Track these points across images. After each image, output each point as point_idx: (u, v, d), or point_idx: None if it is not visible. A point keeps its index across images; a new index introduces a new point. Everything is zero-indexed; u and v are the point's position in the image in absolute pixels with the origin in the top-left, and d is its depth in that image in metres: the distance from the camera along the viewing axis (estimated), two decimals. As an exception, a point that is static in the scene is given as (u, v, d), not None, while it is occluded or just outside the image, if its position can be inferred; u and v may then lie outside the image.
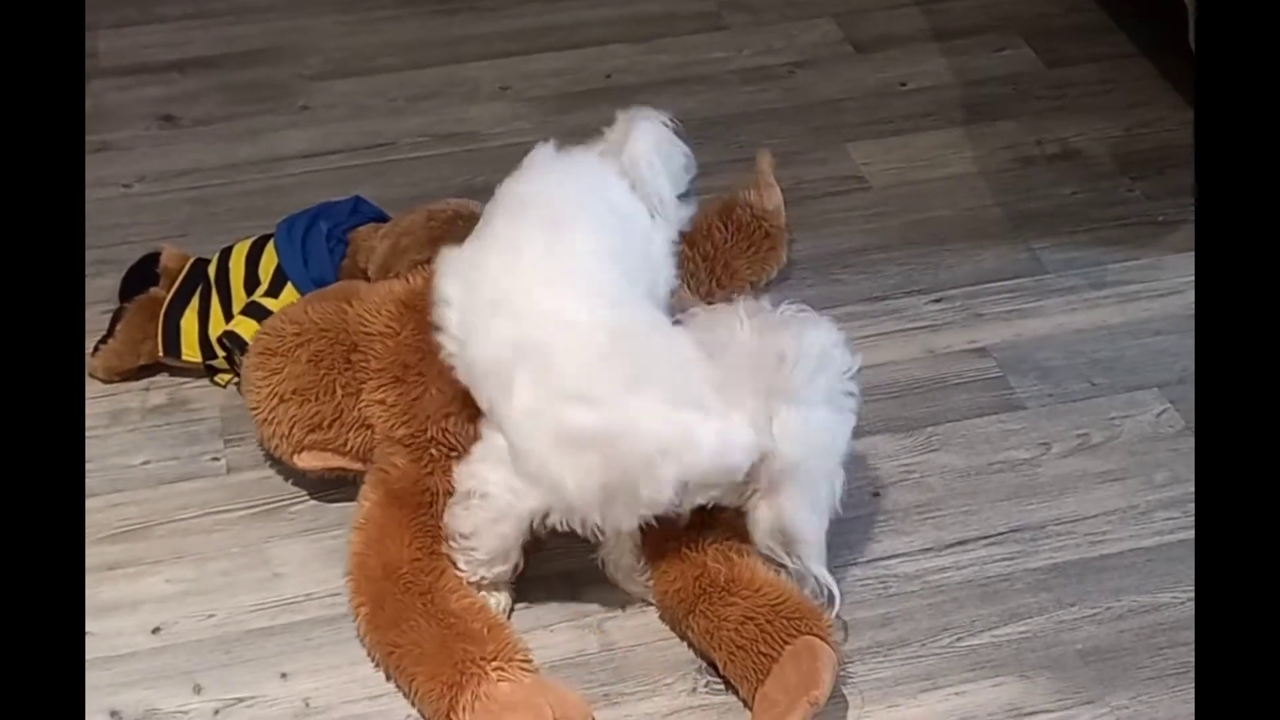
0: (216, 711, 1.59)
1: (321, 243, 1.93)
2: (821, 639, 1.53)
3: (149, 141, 2.32)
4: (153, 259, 1.99)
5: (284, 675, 1.62)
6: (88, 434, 1.85)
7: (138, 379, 1.94)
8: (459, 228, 1.82)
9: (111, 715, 1.58)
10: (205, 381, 1.93)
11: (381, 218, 1.98)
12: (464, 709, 1.51)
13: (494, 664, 1.55)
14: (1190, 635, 1.62)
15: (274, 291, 1.90)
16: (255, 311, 1.88)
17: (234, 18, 2.59)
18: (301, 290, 1.89)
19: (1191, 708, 1.52)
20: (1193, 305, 2.00)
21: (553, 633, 1.65)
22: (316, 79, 2.46)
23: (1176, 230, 2.15)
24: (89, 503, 1.78)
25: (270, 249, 1.94)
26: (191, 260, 1.97)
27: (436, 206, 1.93)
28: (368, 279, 1.87)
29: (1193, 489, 1.77)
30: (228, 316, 1.91)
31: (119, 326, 1.94)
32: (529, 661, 1.58)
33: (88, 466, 1.82)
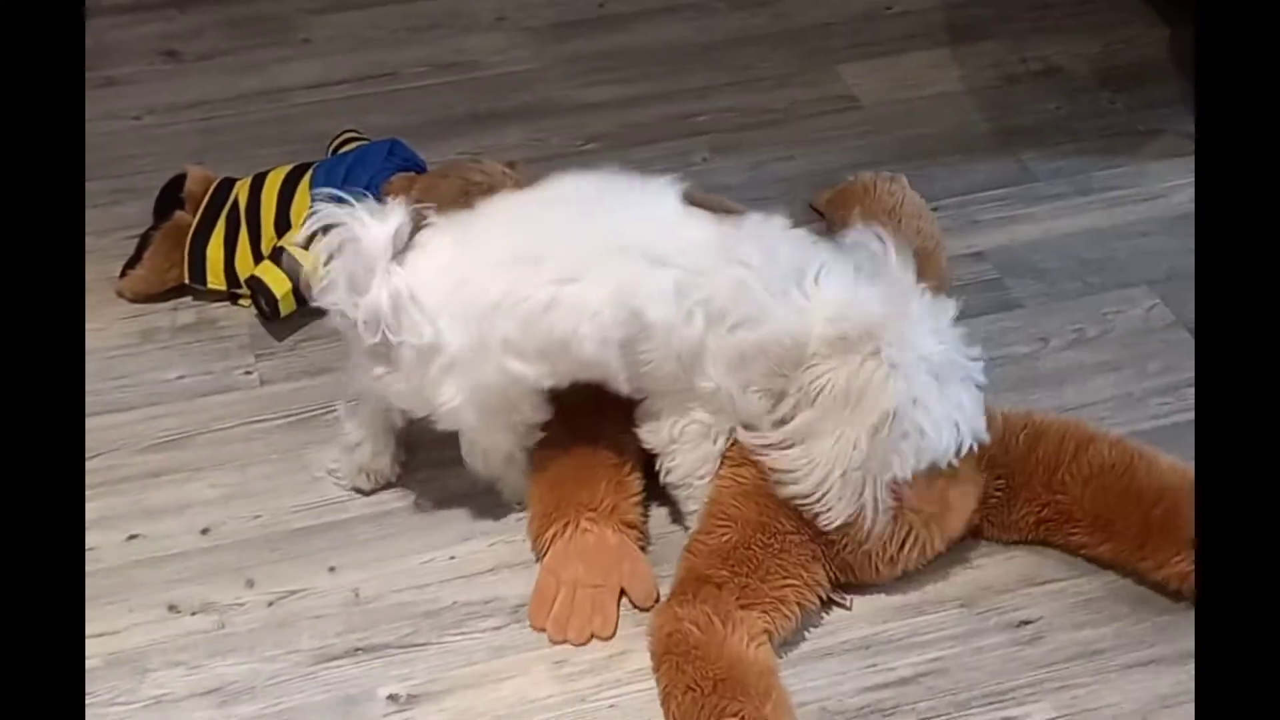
0: (270, 603, 1.65)
1: (359, 196, 1.95)
2: None
3: (154, 76, 2.36)
4: (178, 181, 2.04)
5: (332, 569, 1.69)
6: (120, 352, 1.92)
7: (164, 300, 1.99)
8: None
9: (170, 609, 1.64)
10: (230, 301, 2.00)
11: (415, 163, 2.02)
12: (547, 542, 1.65)
13: (589, 514, 1.65)
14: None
15: (304, 241, 1.94)
16: (284, 260, 1.93)
17: (228, -47, 2.64)
18: None
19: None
20: (1177, 207, 2.13)
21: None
22: (315, 12, 2.51)
23: (1157, 139, 2.24)
24: (125, 416, 1.84)
25: (305, 189, 1.97)
26: (215, 183, 2.02)
27: (473, 177, 1.92)
28: None
29: (1185, 376, 1.88)
30: (256, 255, 1.96)
31: (146, 253, 1.98)
32: (631, 527, 1.67)
33: (122, 382, 1.89)
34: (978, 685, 1.57)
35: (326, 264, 1.55)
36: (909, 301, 1.58)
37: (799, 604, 1.58)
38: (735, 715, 1.45)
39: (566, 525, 1.66)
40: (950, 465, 1.59)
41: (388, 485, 1.76)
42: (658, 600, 1.64)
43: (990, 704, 1.55)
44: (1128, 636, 1.61)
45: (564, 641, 1.62)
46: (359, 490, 1.76)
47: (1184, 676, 1.57)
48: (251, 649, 1.61)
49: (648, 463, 1.72)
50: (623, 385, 1.61)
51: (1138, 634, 1.61)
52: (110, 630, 1.61)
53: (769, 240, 1.59)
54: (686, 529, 1.69)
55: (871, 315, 1.54)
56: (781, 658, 1.58)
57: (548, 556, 1.66)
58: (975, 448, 1.60)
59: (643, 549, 1.70)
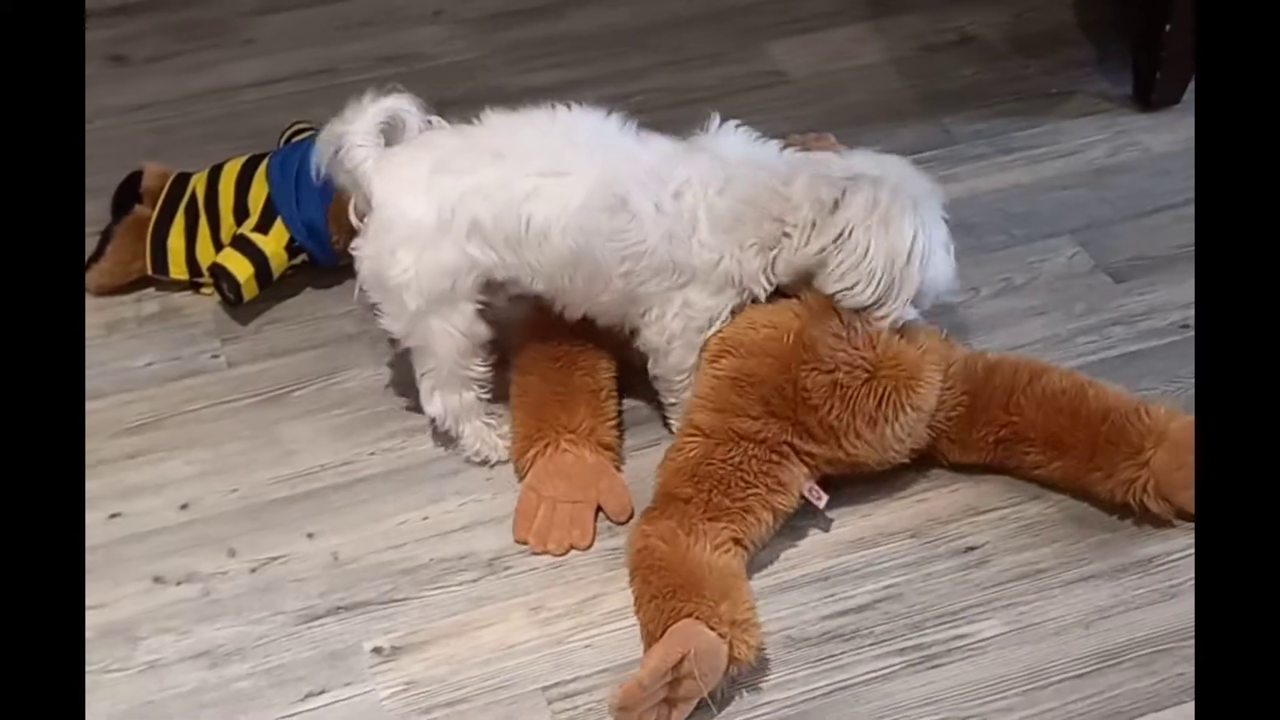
0: (253, 570, 1.72)
1: (313, 184, 1.97)
2: (704, 623, 1.57)
3: (103, 80, 2.42)
4: (135, 178, 2.09)
5: (310, 535, 1.76)
6: (89, 343, 1.97)
7: (129, 292, 2.06)
8: None
9: (156, 580, 1.71)
10: (192, 290, 2.06)
11: None
12: (529, 462, 1.77)
13: (569, 435, 1.76)
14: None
15: (263, 227, 2.00)
16: (244, 246, 1.99)
17: (170, -38, 2.70)
18: (292, 228, 2.00)
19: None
20: (1093, 161, 2.25)
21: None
22: (256, 14, 2.57)
23: (1070, 99, 2.36)
24: (97, 403, 1.90)
25: (261, 178, 2.03)
26: (172, 177, 2.08)
27: None
28: None
29: (1108, 316, 2.01)
30: (216, 244, 2.02)
31: (109, 247, 2.04)
32: (607, 448, 1.79)
33: (92, 371, 1.94)
34: (930, 608, 1.67)
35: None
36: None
37: (766, 509, 1.68)
38: (690, 615, 1.55)
39: (547, 446, 1.77)
40: (922, 333, 1.73)
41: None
42: (632, 515, 1.74)
43: (943, 623, 1.65)
44: (1067, 555, 1.72)
45: (545, 551, 1.73)
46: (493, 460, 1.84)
47: (1119, 589, 1.68)
48: (238, 613, 1.68)
49: (622, 388, 1.85)
50: (613, 285, 1.71)
51: (1076, 553, 1.72)
52: (100, 604, 1.67)
53: (723, 134, 1.75)
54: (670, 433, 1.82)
55: (855, 165, 1.72)
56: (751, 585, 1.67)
57: (529, 475, 1.77)
58: (945, 333, 1.78)
59: (618, 469, 1.81)
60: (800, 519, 1.73)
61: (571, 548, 1.73)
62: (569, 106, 1.75)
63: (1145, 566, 1.70)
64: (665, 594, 1.57)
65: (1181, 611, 1.65)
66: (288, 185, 2.01)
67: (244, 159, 2.07)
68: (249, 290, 1.98)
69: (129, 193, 2.09)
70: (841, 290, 1.69)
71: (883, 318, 1.70)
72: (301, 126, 2.15)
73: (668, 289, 1.72)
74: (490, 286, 1.74)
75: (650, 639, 1.56)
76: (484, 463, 1.83)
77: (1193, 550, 1.70)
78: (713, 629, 1.54)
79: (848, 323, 1.69)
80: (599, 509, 1.77)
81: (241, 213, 2.02)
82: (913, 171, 1.76)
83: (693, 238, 1.70)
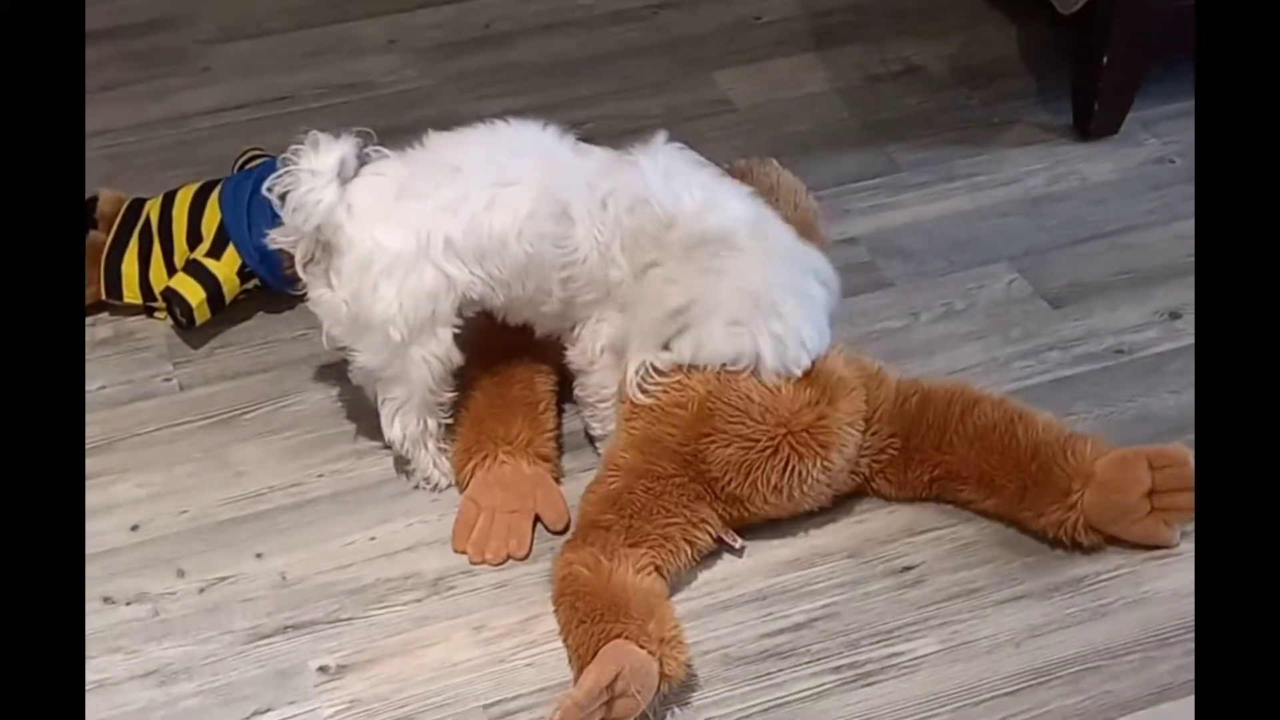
0: (201, 590, 1.75)
1: (265, 209, 1.99)
2: (634, 642, 1.59)
3: (58, 107, 2.44)
4: (90, 204, 2.12)
5: (258, 555, 1.79)
6: (42, 367, 2.00)
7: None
8: None
9: (105, 600, 1.73)
10: (145, 314, 2.09)
11: None
12: (468, 474, 1.81)
13: (506, 447, 1.80)
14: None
15: (215, 252, 2.03)
16: (196, 271, 2.02)
17: (124, -9, 2.73)
18: (244, 254, 2.02)
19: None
20: (1032, 190, 2.31)
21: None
22: (212, 43, 2.61)
23: (1011, 129, 2.42)
24: (51, 428, 1.92)
25: (214, 203, 2.06)
26: (127, 203, 2.11)
27: None
28: None
29: (1044, 341, 2.05)
30: (169, 268, 2.05)
31: (61, 270, 2.07)
32: (544, 459, 1.83)
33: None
34: (867, 626, 1.71)
35: (282, 200, 1.71)
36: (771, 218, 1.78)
37: (685, 540, 1.71)
38: (619, 635, 1.58)
39: (485, 458, 1.81)
40: (821, 383, 1.73)
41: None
42: (569, 525, 1.78)
43: (879, 641, 1.69)
44: (1000, 575, 1.76)
45: (482, 561, 1.76)
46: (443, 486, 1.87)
47: (1050, 608, 1.72)
48: (186, 632, 1.70)
49: (564, 408, 1.90)
50: (555, 293, 1.76)
51: (1009, 572, 1.76)
52: (49, 623, 1.69)
53: (658, 153, 1.78)
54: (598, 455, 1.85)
55: (736, 215, 1.74)
56: (682, 611, 1.70)
57: (469, 486, 1.81)
58: (879, 364, 1.81)
59: (556, 480, 1.85)
60: (744, 536, 1.77)
61: (509, 557, 1.77)
62: (506, 121, 1.80)
63: (1076, 586, 1.74)
64: (593, 617, 1.60)
65: (1110, 630, 1.69)
66: (240, 211, 2.04)
67: (198, 185, 2.10)
68: (201, 314, 2.01)
69: (84, 218, 2.11)
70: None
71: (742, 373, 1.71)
72: (255, 153, 2.18)
73: (593, 301, 1.77)
74: (463, 309, 1.77)
75: (582, 663, 1.59)
76: (434, 488, 1.85)
77: (1121, 571, 1.75)
78: (643, 647, 1.57)
79: (745, 393, 1.70)
80: (537, 519, 1.80)
81: (195, 238, 2.04)
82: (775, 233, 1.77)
83: (609, 252, 1.74)
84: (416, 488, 1.86)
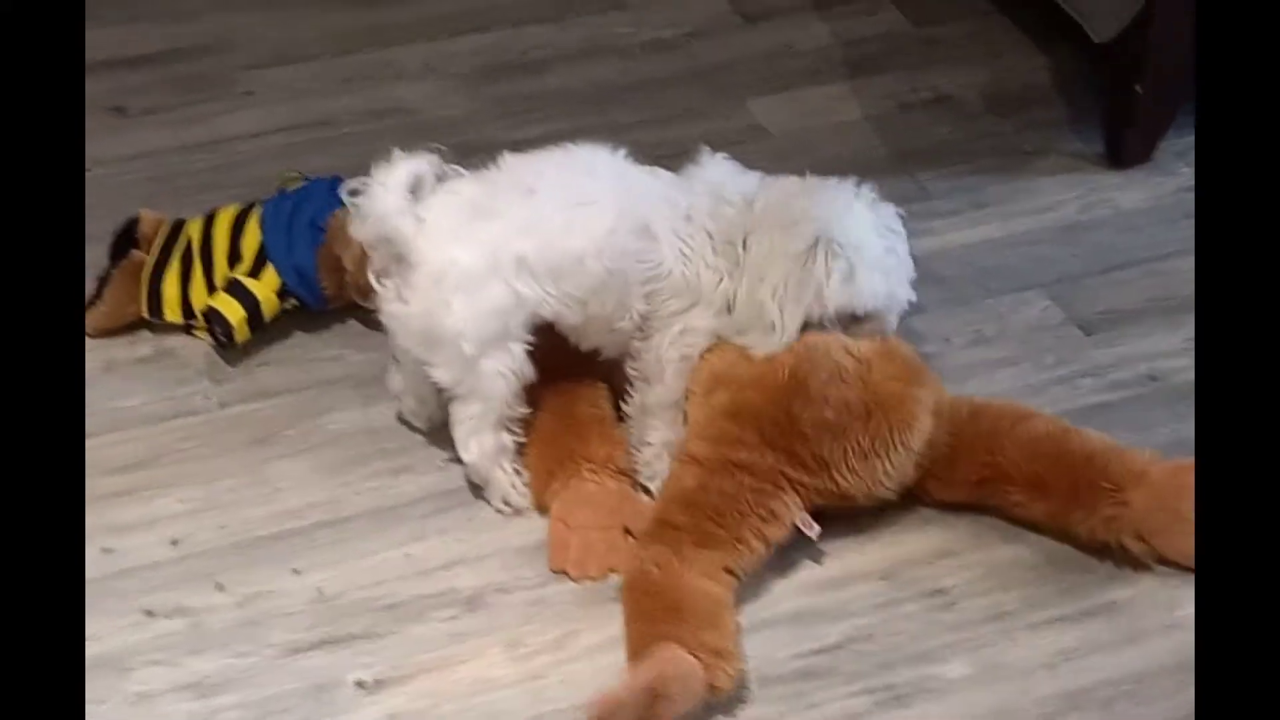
0: (240, 604, 1.77)
1: (305, 230, 2.07)
2: (686, 649, 1.62)
3: (102, 130, 2.46)
4: (132, 225, 2.15)
5: (296, 571, 1.81)
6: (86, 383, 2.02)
7: (124, 334, 2.10)
8: None
9: (146, 614, 1.75)
10: (185, 333, 2.11)
11: None
12: (553, 495, 1.82)
13: (588, 465, 1.82)
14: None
15: (255, 272, 2.06)
16: (237, 290, 2.04)
17: (170, 19, 2.74)
18: (283, 274, 2.05)
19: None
20: (1064, 218, 2.32)
21: (530, 519, 1.86)
22: (254, 68, 2.63)
23: (1043, 157, 2.43)
24: (92, 441, 1.93)
25: (254, 224, 2.09)
26: (168, 224, 2.14)
27: None
28: (342, 266, 2.03)
29: (1078, 368, 2.07)
30: (210, 286, 2.08)
31: (106, 291, 2.09)
32: (624, 474, 1.85)
33: (87, 411, 1.96)
34: (900, 648, 1.72)
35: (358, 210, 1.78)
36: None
37: (759, 539, 1.74)
38: (675, 639, 1.60)
39: (569, 477, 1.83)
40: (902, 362, 1.82)
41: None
42: None
43: (912, 663, 1.70)
44: (1032, 600, 1.77)
45: (586, 578, 1.79)
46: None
47: (1082, 632, 1.73)
48: (225, 646, 1.72)
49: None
50: (636, 308, 1.82)
51: (1041, 597, 1.77)
52: (92, 636, 1.70)
53: (712, 161, 1.90)
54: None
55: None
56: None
57: (555, 506, 1.83)
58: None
59: (638, 490, 1.87)
60: (780, 557, 1.78)
61: (611, 571, 1.79)
62: (578, 145, 1.87)
63: (1109, 611, 1.75)
64: (653, 617, 1.64)
65: (1143, 655, 1.70)
66: (280, 232, 2.07)
67: (238, 207, 2.13)
68: (241, 333, 2.04)
69: (126, 239, 2.14)
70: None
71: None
72: (294, 175, 2.21)
73: (675, 312, 1.83)
74: (535, 327, 1.81)
75: (633, 659, 1.62)
76: (514, 511, 1.86)
77: (1155, 597, 1.75)
78: (694, 654, 1.59)
79: (838, 360, 1.77)
80: (627, 531, 1.82)
81: (235, 258, 2.07)
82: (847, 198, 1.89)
83: (699, 259, 1.82)
84: (497, 511, 1.87)
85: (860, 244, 1.82)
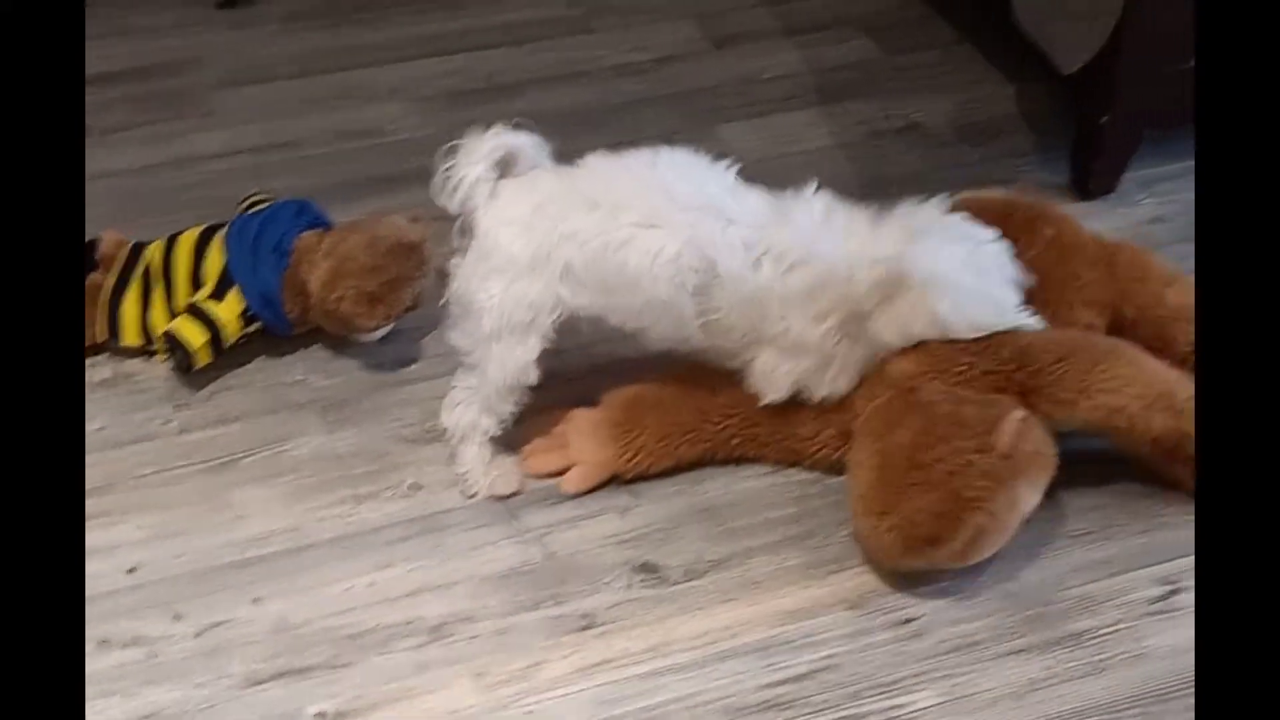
0: (198, 634, 1.74)
1: (269, 254, 2.05)
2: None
3: (64, 149, 2.45)
4: (92, 245, 2.12)
5: (256, 600, 1.78)
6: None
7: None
8: (399, 256, 2.03)
9: (101, 644, 1.72)
10: (145, 357, 2.08)
11: (323, 221, 2.12)
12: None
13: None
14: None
15: (218, 295, 2.03)
16: (197, 314, 2.01)
17: (133, 37, 2.73)
18: (248, 296, 2.03)
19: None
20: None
21: (498, 548, 1.84)
22: (219, 88, 2.62)
23: (1012, 186, 2.42)
24: (50, 468, 1.91)
25: (216, 247, 2.06)
26: (129, 245, 2.11)
27: (380, 231, 2.06)
28: (307, 290, 2.02)
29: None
30: (170, 311, 2.05)
31: (63, 311, 2.07)
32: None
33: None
34: (867, 678, 1.70)
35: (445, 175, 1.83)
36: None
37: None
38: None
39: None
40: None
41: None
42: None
43: (880, 694, 1.69)
44: (1000, 629, 1.76)
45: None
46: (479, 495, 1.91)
47: (1050, 662, 1.72)
48: (183, 676, 1.69)
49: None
50: (690, 327, 1.83)
51: (1009, 626, 1.76)
52: (45, 664, 1.68)
53: (812, 204, 1.89)
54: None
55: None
56: (683, 660, 1.70)
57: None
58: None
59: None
60: (747, 584, 1.77)
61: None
62: (670, 150, 1.89)
63: (1076, 640, 1.74)
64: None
65: (1110, 685, 1.69)
66: (244, 254, 2.04)
67: (201, 228, 2.10)
68: (202, 357, 2.01)
69: (86, 260, 2.11)
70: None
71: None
72: (259, 196, 2.19)
73: (745, 343, 1.85)
74: (571, 325, 1.85)
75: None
76: (471, 494, 1.89)
77: (1120, 627, 1.75)
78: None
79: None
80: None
81: (196, 281, 2.05)
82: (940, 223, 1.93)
83: (765, 306, 1.82)
84: (461, 493, 1.89)
85: (944, 279, 1.82)
